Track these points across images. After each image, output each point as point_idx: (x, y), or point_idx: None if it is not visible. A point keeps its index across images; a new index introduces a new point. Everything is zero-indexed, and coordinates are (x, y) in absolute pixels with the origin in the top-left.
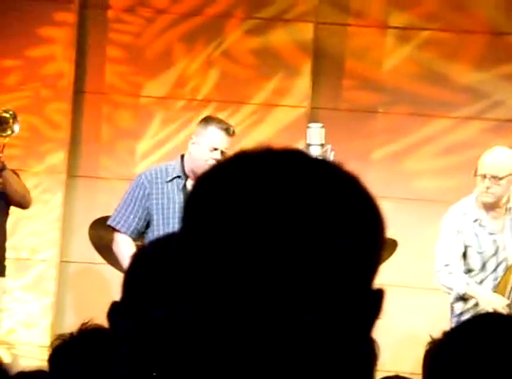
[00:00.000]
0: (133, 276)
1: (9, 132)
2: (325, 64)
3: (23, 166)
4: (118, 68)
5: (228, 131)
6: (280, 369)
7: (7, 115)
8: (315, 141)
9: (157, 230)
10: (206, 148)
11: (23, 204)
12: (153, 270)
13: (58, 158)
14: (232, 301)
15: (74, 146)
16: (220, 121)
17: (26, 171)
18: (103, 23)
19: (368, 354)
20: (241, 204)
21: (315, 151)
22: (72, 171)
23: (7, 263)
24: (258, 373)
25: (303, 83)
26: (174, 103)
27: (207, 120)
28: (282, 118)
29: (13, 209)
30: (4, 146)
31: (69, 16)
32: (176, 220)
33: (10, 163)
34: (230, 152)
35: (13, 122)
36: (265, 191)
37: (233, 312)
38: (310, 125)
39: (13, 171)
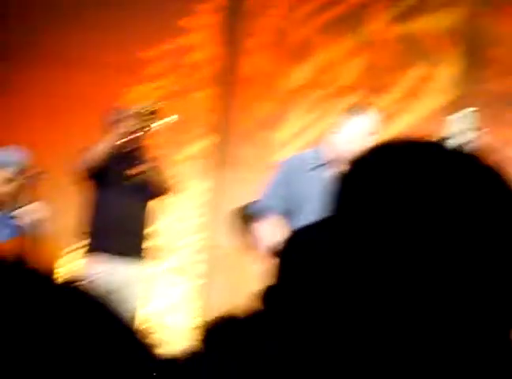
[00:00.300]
0: (286, 261)
1: (148, 127)
2: (471, 50)
3: (171, 152)
4: (263, 56)
5: (371, 119)
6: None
7: (153, 109)
8: (462, 128)
9: (300, 219)
10: (349, 136)
11: (165, 193)
12: (306, 255)
13: (205, 145)
14: (388, 290)
15: (220, 133)
16: (363, 109)
17: (173, 158)
18: (245, 13)
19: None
20: (391, 192)
21: (462, 139)
22: (219, 158)
23: (157, 247)
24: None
25: (449, 70)
26: (316, 92)
27: (350, 108)
28: (427, 106)
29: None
30: (148, 138)
31: (213, 6)
32: (319, 207)
33: (158, 151)
34: (375, 139)
35: (154, 119)
36: (415, 181)
37: (389, 299)
38: (458, 111)
39: (157, 158)
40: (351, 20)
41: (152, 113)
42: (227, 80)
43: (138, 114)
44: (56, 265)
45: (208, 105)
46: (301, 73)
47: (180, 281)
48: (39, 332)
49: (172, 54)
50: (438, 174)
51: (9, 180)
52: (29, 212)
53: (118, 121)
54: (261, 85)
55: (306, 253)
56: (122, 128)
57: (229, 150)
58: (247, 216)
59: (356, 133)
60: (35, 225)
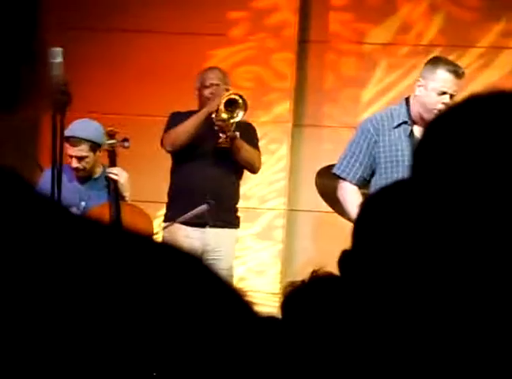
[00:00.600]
0: (363, 225)
1: (232, 115)
2: None
3: (249, 116)
4: (342, 16)
5: (457, 73)
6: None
7: (240, 100)
8: None
9: (384, 178)
10: (434, 91)
11: (250, 170)
12: (383, 218)
13: (284, 108)
14: (470, 254)
15: (299, 95)
16: (448, 63)
17: (253, 122)
18: None
19: None
20: (473, 153)
21: None
22: (297, 120)
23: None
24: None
25: None
26: (398, 49)
27: (435, 61)
28: (510, 61)
29: None
30: (232, 125)
31: None
32: (403, 168)
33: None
34: (458, 96)
35: (241, 109)
36: (499, 138)
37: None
38: None
39: (251, 127)
40: None
41: (234, 102)
42: (308, 39)
43: (223, 101)
44: (151, 231)
45: (289, 67)
46: (383, 31)
47: (262, 246)
48: (146, 293)
49: (256, 15)
50: None
51: (85, 156)
52: (117, 173)
53: (211, 87)
54: (345, 44)
55: (379, 218)
56: (209, 107)
57: (311, 111)
58: (330, 179)
59: (436, 89)
60: (123, 189)
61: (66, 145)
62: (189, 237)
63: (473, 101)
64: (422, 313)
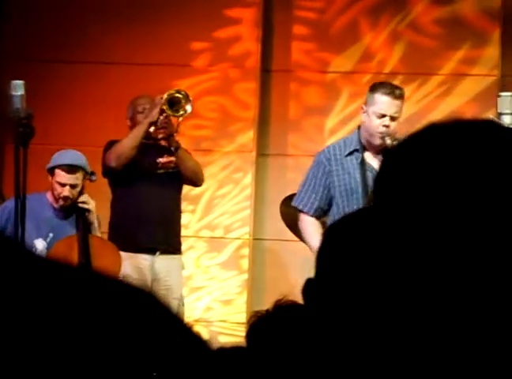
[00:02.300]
0: (326, 253)
1: (181, 112)
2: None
3: (214, 146)
4: (304, 45)
5: (394, 94)
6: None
7: (179, 96)
8: (506, 110)
9: (340, 207)
10: (375, 115)
11: (195, 182)
12: (346, 246)
13: (248, 137)
14: (433, 280)
15: (263, 125)
16: (385, 86)
17: (217, 151)
18: (288, 1)
19: None
20: (433, 178)
21: (507, 120)
22: (261, 150)
23: (202, 241)
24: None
25: (492, 51)
26: (361, 78)
27: (374, 87)
28: (472, 88)
29: (205, 189)
30: (178, 125)
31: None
32: (357, 195)
33: (201, 144)
34: (399, 117)
35: (186, 102)
36: (460, 164)
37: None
38: (501, 93)
39: (186, 150)
40: (394, 4)
41: (177, 100)
42: (271, 69)
43: (164, 103)
44: (119, 262)
45: (253, 96)
46: (345, 60)
47: (227, 275)
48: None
49: (219, 45)
50: (491, 156)
51: (78, 185)
52: (86, 200)
53: (144, 111)
54: (308, 73)
55: (342, 246)
56: (150, 118)
57: (275, 140)
58: (292, 208)
59: (375, 112)
60: (92, 217)
61: (60, 173)
62: (139, 266)
63: (432, 129)
64: (383, 342)
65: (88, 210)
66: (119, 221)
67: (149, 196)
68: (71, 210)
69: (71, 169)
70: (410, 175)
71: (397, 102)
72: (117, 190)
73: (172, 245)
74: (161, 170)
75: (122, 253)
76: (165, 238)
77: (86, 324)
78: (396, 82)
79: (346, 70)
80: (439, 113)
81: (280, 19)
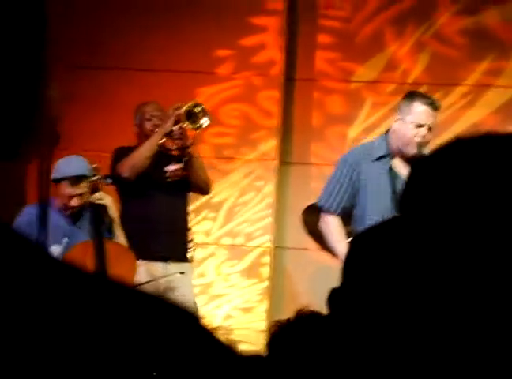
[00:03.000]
0: (353, 262)
1: (197, 125)
2: None
3: (236, 154)
4: (328, 54)
5: (434, 106)
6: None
7: (198, 109)
8: None
9: (366, 211)
10: (412, 124)
11: (205, 191)
12: (373, 256)
13: (270, 145)
14: (459, 292)
15: (286, 133)
16: (424, 96)
17: (239, 159)
18: (313, 9)
19: None
20: (461, 191)
21: None
22: (284, 158)
23: (223, 249)
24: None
25: None
26: (384, 87)
27: (411, 96)
28: (495, 99)
29: (227, 197)
30: (194, 137)
31: (279, 4)
32: (384, 201)
33: (224, 152)
34: (443, 131)
35: (203, 115)
36: (487, 178)
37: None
38: None
39: (198, 157)
40: (419, 14)
41: (195, 113)
42: (295, 77)
43: (183, 114)
44: (135, 268)
45: (276, 104)
46: (369, 69)
47: (248, 283)
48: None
49: (243, 53)
50: None
51: (84, 192)
52: (101, 197)
53: (151, 119)
54: (332, 82)
55: (370, 256)
56: (164, 129)
57: (298, 149)
58: (316, 217)
59: (413, 121)
60: (111, 211)
61: (66, 185)
62: (152, 274)
63: (460, 142)
64: (411, 353)
65: (104, 206)
66: (129, 229)
67: (158, 204)
68: (80, 212)
69: (76, 181)
70: (438, 189)
71: (435, 113)
72: (126, 198)
73: (183, 253)
74: (169, 179)
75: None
76: (176, 246)
77: (98, 331)
78: (420, 91)
79: (370, 80)
80: (462, 124)
81: (304, 28)
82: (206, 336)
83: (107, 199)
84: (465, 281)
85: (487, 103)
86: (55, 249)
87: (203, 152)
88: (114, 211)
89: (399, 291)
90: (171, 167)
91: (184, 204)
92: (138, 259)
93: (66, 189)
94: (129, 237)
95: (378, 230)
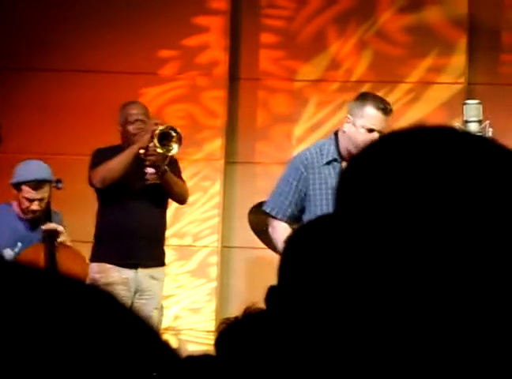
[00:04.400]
0: (288, 260)
1: (168, 148)
2: (481, 38)
3: (182, 154)
4: (272, 53)
5: (386, 110)
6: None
7: (173, 133)
8: (473, 118)
9: (314, 215)
10: (363, 128)
11: (180, 202)
12: (308, 253)
13: (216, 145)
14: (393, 287)
15: (231, 133)
16: (377, 100)
17: (185, 159)
18: (256, 9)
19: None
20: (394, 185)
21: (473, 128)
22: (229, 158)
23: (171, 249)
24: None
25: (459, 59)
26: (328, 86)
27: (363, 98)
28: (438, 96)
29: None
30: (166, 159)
31: (222, 4)
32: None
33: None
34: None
35: (175, 142)
36: (421, 170)
37: (396, 299)
38: (467, 101)
39: (175, 161)
40: (361, 13)
41: (168, 136)
42: (239, 77)
43: (157, 135)
44: (86, 271)
45: (221, 104)
46: (313, 68)
47: (196, 284)
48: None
49: (187, 53)
50: (449, 162)
51: (46, 197)
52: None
53: (135, 122)
54: (276, 82)
55: (306, 252)
56: (141, 143)
57: (243, 148)
58: (263, 216)
59: (364, 126)
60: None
61: (27, 189)
62: (122, 276)
63: (393, 136)
64: (344, 349)
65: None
66: (105, 233)
67: (135, 209)
68: (39, 221)
69: (38, 184)
70: (369, 182)
71: (387, 117)
72: (103, 202)
73: (157, 259)
74: (148, 182)
75: (108, 265)
76: (150, 252)
77: (45, 323)
78: (363, 90)
79: (314, 78)
80: (407, 120)
81: (247, 27)
82: (152, 338)
83: (62, 235)
84: (396, 275)
85: (431, 100)
86: (7, 253)
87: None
88: (63, 235)
89: (329, 287)
90: (151, 170)
91: (161, 209)
92: (110, 263)
93: (28, 193)
94: (103, 241)
95: (311, 227)
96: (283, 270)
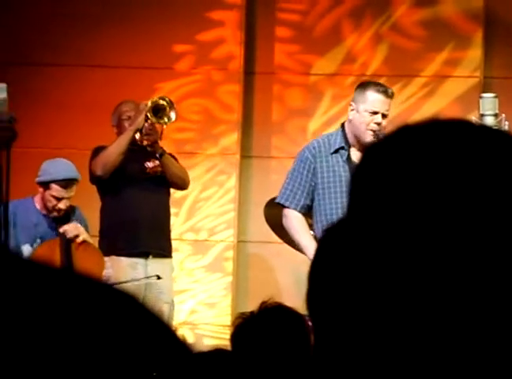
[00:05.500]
0: (321, 260)
1: (165, 119)
2: (497, 32)
3: (197, 149)
4: (287, 47)
5: (387, 93)
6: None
7: (164, 103)
8: (489, 111)
9: (323, 204)
10: (366, 112)
11: (181, 186)
12: (338, 253)
13: (231, 139)
14: (409, 283)
15: (246, 127)
16: (377, 84)
17: (201, 154)
18: (271, 3)
19: None
20: (409, 179)
21: (489, 122)
22: (245, 152)
23: (186, 244)
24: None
25: (475, 52)
26: (343, 80)
27: (364, 85)
28: (454, 89)
29: (189, 192)
30: (162, 132)
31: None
32: (342, 192)
33: (185, 147)
34: (395, 119)
35: (170, 110)
36: (436, 164)
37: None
38: (483, 95)
39: (171, 155)
40: (376, 6)
41: (161, 107)
42: (254, 71)
43: (149, 109)
44: (102, 266)
45: (236, 98)
46: (328, 62)
47: (212, 278)
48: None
49: (202, 48)
50: (465, 156)
51: (70, 197)
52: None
53: (129, 119)
54: (291, 76)
55: (336, 253)
56: (135, 125)
57: (259, 142)
58: (278, 210)
59: (368, 110)
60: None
61: (57, 188)
62: (135, 270)
63: (406, 129)
64: (371, 350)
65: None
66: (110, 227)
67: (138, 201)
68: (60, 219)
69: (69, 183)
70: (383, 177)
71: (389, 100)
72: (106, 197)
73: (164, 249)
74: (149, 175)
75: (116, 258)
76: (156, 242)
77: (65, 325)
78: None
79: (329, 72)
80: (422, 114)
81: (262, 21)
82: (167, 334)
83: (83, 234)
84: (422, 276)
85: (446, 94)
86: (26, 249)
87: (165, 148)
88: (84, 231)
89: (357, 288)
90: (150, 164)
91: (164, 199)
92: (119, 256)
93: (57, 191)
94: (108, 234)
95: (344, 224)
96: (315, 270)
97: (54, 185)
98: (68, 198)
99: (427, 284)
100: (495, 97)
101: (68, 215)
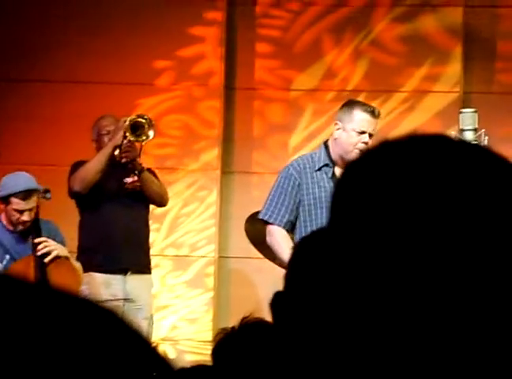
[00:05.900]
0: (295, 268)
1: (144, 137)
2: (476, 47)
3: (178, 164)
4: (268, 63)
5: (374, 113)
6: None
7: (142, 120)
8: (468, 126)
9: (308, 220)
10: (353, 132)
11: (160, 203)
12: (314, 261)
13: (212, 155)
14: (391, 295)
15: (227, 142)
16: (364, 104)
17: (181, 170)
18: (251, 19)
19: None
20: (388, 193)
21: (469, 137)
22: (226, 168)
23: (168, 260)
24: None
25: (454, 68)
26: (324, 95)
27: (350, 104)
28: (434, 105)
29: (170, 208)
30: (141, 149)
31: (218, 15)
32: (326, 209)
33: (166, 162)
34: (376, 134)
35: (149, 128)
36: (415, 179)
37: (393, 305)
38: (463, 110)
39: (151, 171)
40: (356, 22)
41: (140, 125)
42: (235, 86)
43: (127, 127)
44: (79, 282)
45: (217, 114)
46: (309, 77)
47: (193, 294)
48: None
49: (182, 63)
50: (442, 170)
51: (35, 206)
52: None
53: (109, 134)
54: (272, 91)
55: (312, 261)
56: (114, 141)
57: (240, 158)
58: (259, 225)
59: (355, 129)
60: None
61: (17, 201)
62: (110, 287)
63: (385, 145)
64: (351, 360)
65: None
66: (88, 243)
67: (117, 217)
68: (27, 233)
69: (27, 195)
70: (363, 191)
71: (376, 120)
72: (84, 212)
73: (143, 265)
74: (128, 190)
75: (92, 274)
76: (135, 258)
77: (41, 340)
78: (359, 99)
79: (309, 88)
80: (402, 129)
81: (243, 37)
82: (147, 350)
83: (60, 251)
84: (395, 283)
85: (426, 109)
86: None
87: (145, 163)
88: (62, 248)
89: (333, 296)
90: (129, 179)
91: (143, 215)
92: (97, 272)
93: (17, 204)
94: (86, 250)
95: (319, 234)
96: (291, 276)
97: (13, 199)
98: (30, 209)
99: (399, 295)
100: (475, 112)
101: (38, 228)
